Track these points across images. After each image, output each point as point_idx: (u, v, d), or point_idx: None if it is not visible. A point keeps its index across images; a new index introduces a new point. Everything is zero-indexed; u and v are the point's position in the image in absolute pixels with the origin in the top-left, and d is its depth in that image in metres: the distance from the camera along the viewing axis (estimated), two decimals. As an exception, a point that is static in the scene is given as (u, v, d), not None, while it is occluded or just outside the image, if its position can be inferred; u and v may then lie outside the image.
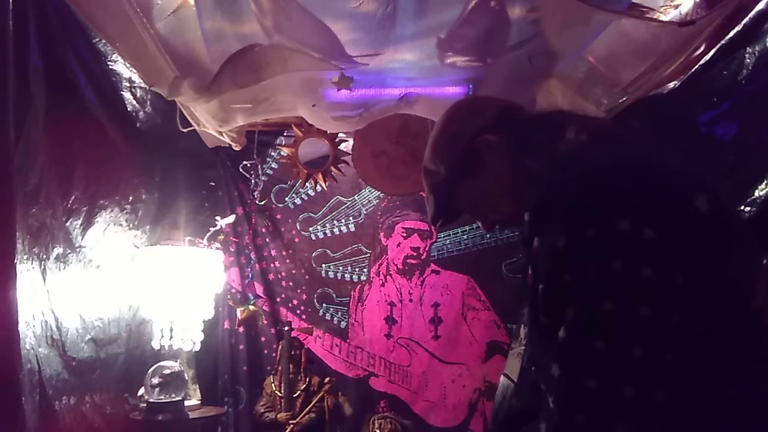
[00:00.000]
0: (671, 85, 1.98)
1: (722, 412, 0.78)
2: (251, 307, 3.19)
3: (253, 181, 3.27)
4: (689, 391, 0.76)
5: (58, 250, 1.96)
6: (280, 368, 3.02)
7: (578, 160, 0.91)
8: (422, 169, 1.17)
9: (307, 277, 3.39)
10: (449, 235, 3.35)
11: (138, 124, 2.53)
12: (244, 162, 3.20)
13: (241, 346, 3.28)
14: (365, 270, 3.39)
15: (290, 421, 2.88)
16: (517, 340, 1.07)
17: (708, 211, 0.81)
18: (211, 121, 2.34)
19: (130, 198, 2.49)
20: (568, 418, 0.76)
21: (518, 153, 1.03)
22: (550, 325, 0.81)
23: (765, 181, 1.57)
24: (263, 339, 3.33)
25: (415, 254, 3.36)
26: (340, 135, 2.82)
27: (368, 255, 3.40)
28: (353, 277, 3.40)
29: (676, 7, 1.77)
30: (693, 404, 0.77)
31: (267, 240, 3.41)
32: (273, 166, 3.44)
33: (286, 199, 3.47)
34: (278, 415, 2.93)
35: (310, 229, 3.44)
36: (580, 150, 0.97)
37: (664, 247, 0.76)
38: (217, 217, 3.02)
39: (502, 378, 1.10)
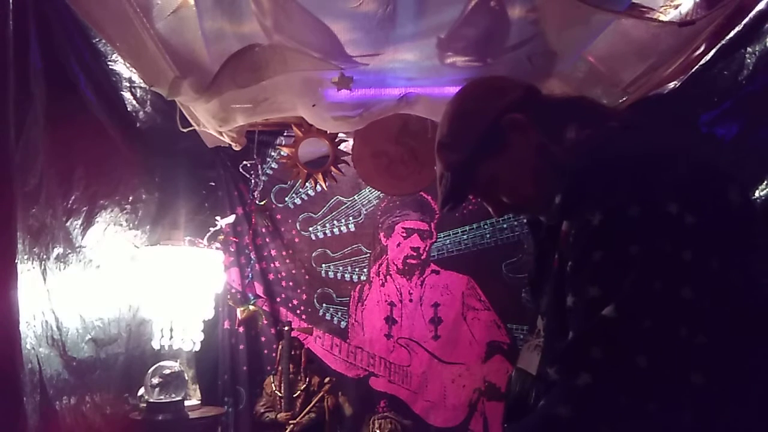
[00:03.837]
0: (671, 85, 1.98)
1: (753, 401, 0.79)
2: (251, 307, 3.19)
3: (253, 181, 3.27)
4: (724, 375, 0.77)
5: (58, 250, 1.96)
6: (280, 368, 3.02)
7: (613, 145, 0.92)
8: (437, 146, 1.12)
9: (307, 277, 3.39)
10: (449, 235, 3.35)
11: (138, 124, 2.53)
12: (244, 162, 3.20)
13: (241, 346, 3.28)
14: (365, 270, 3.39)
15: (290, 421, 2.89)
16: (533, 332, 1.05)
17: (739, 203, 0.83)
18: (211, 121, 2.34)
19: (130, 198, 2.49)
20: (612, 399, 0.76)
21: (545, 134, 1.01)
22: (576, 304, 0.82)
23: (766, 181, 1.57)
24: (263, 339, 3.33)
25: (415, 254, 3.36)
26: (340, 135, 2.81)
27: (368, 255, 3.40)
28: (353, 277, 3.40)
29: (676, 7, 1.77)
30: (726, 389, 0.78)
31: (267, 240, 3.41)
32: (273, 166, 3.44)
33: (286, 199, 3.47)
34: (278, 415, 2.93)
35: (310, 229, 3.44)
36: (612, 135, 0.97)
37: (702, 233, 0.78)
38: (217, 217, 3.02)
39: (514, 373, 1.07)
